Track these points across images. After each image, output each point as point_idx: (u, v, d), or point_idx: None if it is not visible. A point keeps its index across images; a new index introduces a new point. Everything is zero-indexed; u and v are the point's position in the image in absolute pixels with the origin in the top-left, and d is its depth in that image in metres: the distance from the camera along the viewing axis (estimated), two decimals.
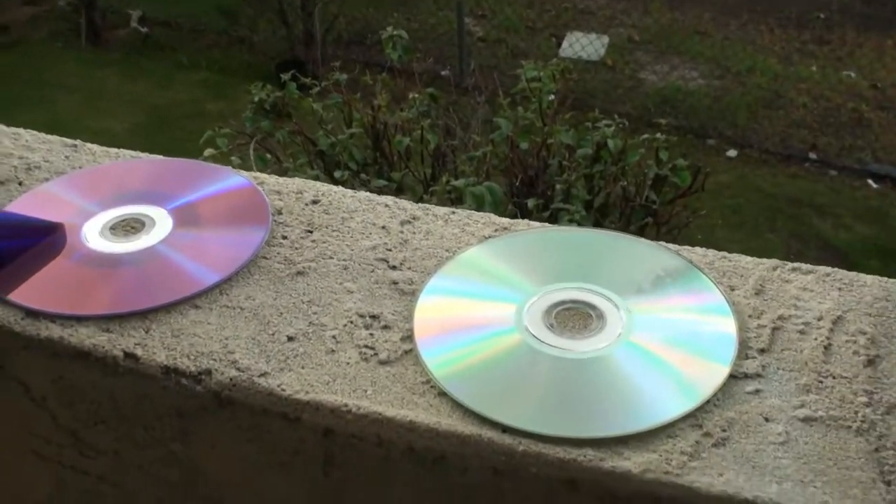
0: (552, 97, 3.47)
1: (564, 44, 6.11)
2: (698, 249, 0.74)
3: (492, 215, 0.78)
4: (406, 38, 3.66)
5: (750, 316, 0.67)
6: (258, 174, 0.85)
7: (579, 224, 3.15)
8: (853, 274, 0.71)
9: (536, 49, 6.00)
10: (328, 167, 3.35)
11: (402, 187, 3.34)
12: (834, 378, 0.63)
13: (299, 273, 0.72)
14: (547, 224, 0.77)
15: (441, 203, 3.25)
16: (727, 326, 0.65)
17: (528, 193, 3.27)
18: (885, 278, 0.71)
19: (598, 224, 3.34)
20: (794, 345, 0.65)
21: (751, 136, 5.56)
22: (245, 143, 3.36)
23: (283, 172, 3.30)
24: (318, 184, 0.82)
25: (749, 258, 0.73)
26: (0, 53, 6.12)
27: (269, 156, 3.39)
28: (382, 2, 6.47)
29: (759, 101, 5.79)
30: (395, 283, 0.71)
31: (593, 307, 0.67)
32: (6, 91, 5.70)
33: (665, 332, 0.65)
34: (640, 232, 3.44)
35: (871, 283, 0.70)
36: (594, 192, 3.32)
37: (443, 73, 5.68)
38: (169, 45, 6.20)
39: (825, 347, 0.65)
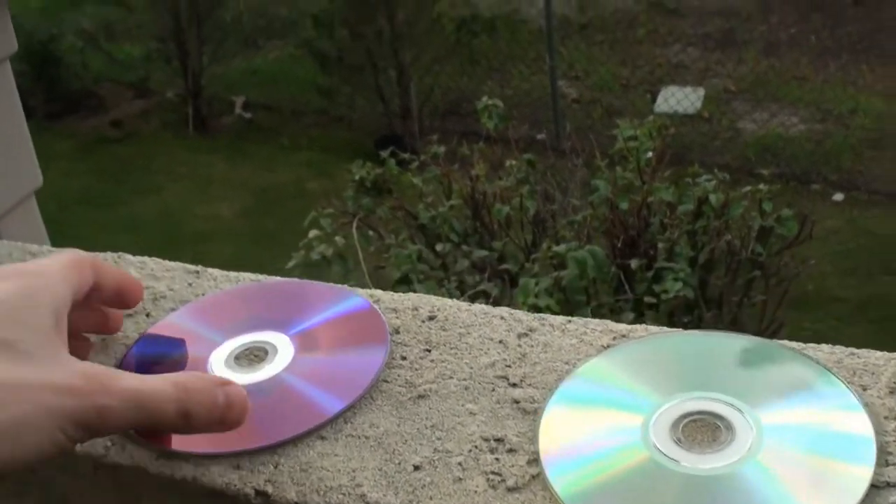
0: (650, 154, 3.46)
1: (659, 99, 6.10)
2: (824, 347, 0.71)
3: (609, 322, 0.77)
4: (501, 107, 3.71)
5: (886, 417, 0.64)
6: (374, 291, 0.85)
7: (685, 282, 3.12)
8: None
9: (631, 106, 6.00)
10: (430, 240, 3.40)
11: (503, 256, 3.37)
12: None
13: (421, 396, 0.72)
14: (665, 328, 0.75)
15: (544, 269, 3.26)
16: (864, 431, 0.62)
17: (631, 254, 3.25)
18: None
19: (703, 281, 3.30)
20: None
21: (857, 179, 5.45)
22: (348, 221, 3.43)
23: (385, 249, 3.36)
24: (434, 298, 0.82)
25: (880, 353, 0.70)
26: (114, 147, 6.39)
27: (371, 233, 3.46)
28: (476, 71, 6.56)
29: (864, 142, 5.68)
30: (516, 401, 0.70)
31: (721, 418, 0.64)
32: (121, 182, 5.94)
33: (797, 442, 0.62)
34: (748, 286, 3.38)
35: None
36: (698, 249, 3.28)
37: (538, 136, 5.72)
38: (271, 128, 6.39)
39: None
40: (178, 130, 6.47)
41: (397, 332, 0.78)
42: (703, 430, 0.64)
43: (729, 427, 0.63)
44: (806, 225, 3.27)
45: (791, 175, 5.46)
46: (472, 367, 0.73)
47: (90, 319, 0.76)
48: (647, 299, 3.13)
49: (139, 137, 6.48)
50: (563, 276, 3.09)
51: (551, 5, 5.82)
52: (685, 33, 6.75)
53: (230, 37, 6.70)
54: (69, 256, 0.68)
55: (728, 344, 0.71)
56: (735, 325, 3.35)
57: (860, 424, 0.62)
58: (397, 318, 0.80)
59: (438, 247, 3.33)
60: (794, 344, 0.70)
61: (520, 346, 0.75)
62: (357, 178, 3.59)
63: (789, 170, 5.50)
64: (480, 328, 0.77)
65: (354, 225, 3.42)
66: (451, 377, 0.73)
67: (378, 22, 5.63)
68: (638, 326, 0.74)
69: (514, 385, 0.71)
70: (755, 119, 5.92)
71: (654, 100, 6.12)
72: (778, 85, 6.15)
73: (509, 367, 0.73)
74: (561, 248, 3.15)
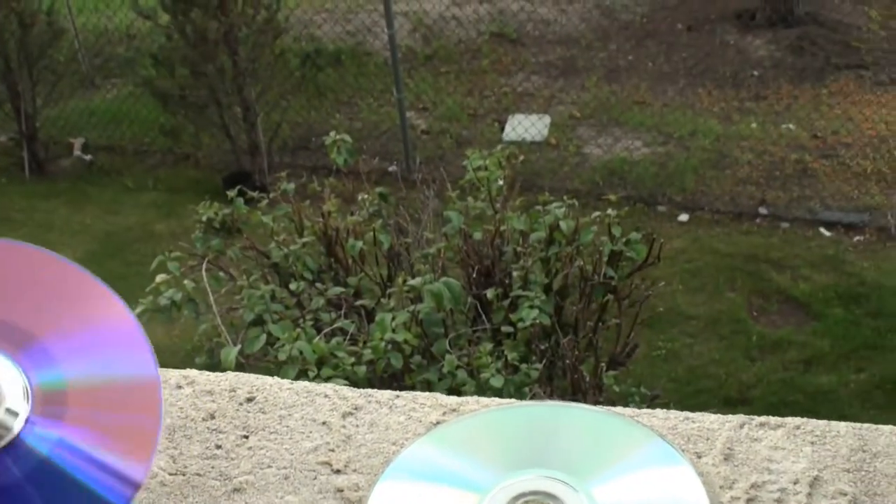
0: (500, 183, 3.49)
1: (507, 127, 6.17)
2: (659, 412, 0.70)
3: (438, 395, 0.73)
4: (350, 142, 3.68)
5: (722, 487, 0.63)
6: (189, 372, 0.76)
7: (541, 309, 3.13)
8: (824, 423, 0.68)
9: (480, 135, 6.06)
10: (283, 279, 3.33)
11: (359, 292, 3.33)
12: None
13: (236, 490, 0.65)
14: (496, 398, 0.72)
15: (400, 303, 3.23)
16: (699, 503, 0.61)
17: (486, 284, 3.26)
18: (859, 424, 0.67)
19: (559, 307, 3.33)
20: None
21: (700, 199, 5.62)
22: (197, 263, 3.33)
23: (237, 290, 3.28)
24: (254, 377, 0.76)
25: (714, 416, 0.69)
26: None
27: (222, 274, 3.37)
28: (324, 105, 6.52)
29: (705, 163, 5.87)
30: (340, 490, 0.65)
31: (554, 497, 0.62)
32: None
33: None
34: (602, 310, 3.43)
35: (844, 433, 0.67)
36: (552, 275, 3.32)
37: (390, 168, 5.71)
38: (114, 170, 6.20)
39: None
40: (14, 175, 6.20)
41: (213, 417, 0.71)
42: None
43: None
44: (654, 247, 3.34)
45: (638, 197, 5.60)
46: (292, 454, 0.68)
47: None
48: (505, 328, 3.14)
49: None
50: (420, 310, 3.07)
51: (395, 37, 5.83)
52: (528, 62, 6.87)
53: (65, 77, 6.48)
54: None
55: (561, 415, 0.68)
56: (591, 349, 3.40)
57: (695, 497, 0.60)
58: (213, 401, 0.73)
59: (292, 285, 3.27)
60: (628, 411, 0.68)
61: (344, 426, 0.70)
62: (204, 218, 3.49)
63: (636, 192, 5.64)
64: (303, 408, 0.72)
65: (204, 267, 3.32)
66: (269, 466, 0.67)
67: (219, 59, 5.53)
68: (469, 399, 0.71)
69: (338, 472, 0.66)
70: (600, 144, 6.06)
71: (502, 128, 6.20)
72: (620, 110, 6.32)
73: (333, 451, 0.68)
74: (416, 281, 3.14)
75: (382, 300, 3.26)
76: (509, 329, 3.11)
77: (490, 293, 3.18)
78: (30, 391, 0.53)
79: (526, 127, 6.11)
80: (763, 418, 0.67)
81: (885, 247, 5.24)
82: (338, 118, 6.28)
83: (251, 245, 3.40)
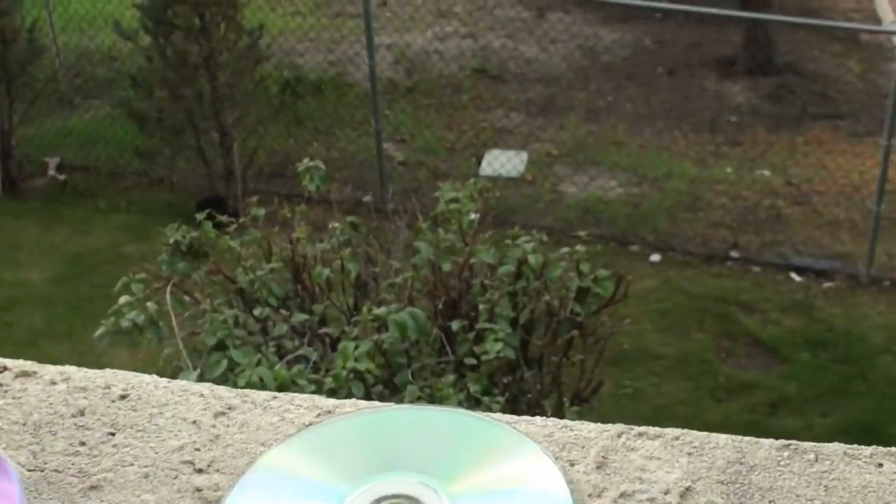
0: (473, 216, 3.48)
1: (483, 162, 6.19)
2: (538, 420, 0.69)
3: (316, 397, 0.72)
4: (322, 169, 3.68)
5: (590, 495, 0.62)
6: (66, 368, 0.76)
7: (506, 343, 3.13)
8: (704, 435, 0.68)
9: (456, 169, 6.07)
10: (249, 305, 3.31)
11: (324, 319, 3.31)
12: None
13: (93, 487, 0.64)
14: (376, 402, 0.71)
15: (365, 333, 3.21)
16: None
17: (453, 315, 3.25)
18: (740, 437, 0.67)
19: (524, 342, 3.33)
20: None
21: (672, 240, 5.65)
22: (162, 287, 3.31)
23: (201, 314, 3.25)
24: (131, 375, 0.75)
25: (593, 425, 0.68)
26: None
27: (187, 298, 3.34)
28: (301, 133, 6.53)
29: (678, 205, 5.90)
30: (199, 489, 0.64)
31: (414, 499, 0.61)
32: None
33: None
34: (568, 345, 3.43)
35: (723, 444, 0.67)
36: (518, 310, 3.31)
37: (364, 199, 5.71)
38: (88, 191, 6.17)
39: None
40: None
41: (82, 413, 0.71)
42: None
43: None
44: (622, 285, 3.34)
45: (611, 236, 5.62)
46: (156, 453, 0.67)
47: None
48: (469, 360, 3.13)
49: None
50: (384, 339, 3.05)
51: (376, 69, 5.86)
52: (508, 99, 6.91)
53: (43, 96, 6.46)
54: None
55: (434, 420, 0.67)
56: (555, 385, 3.39)
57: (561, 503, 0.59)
58: (85, 398, 0.72)
59: (257, 311, 3.25)
60: (506, 417, 0.68)
61: (214, 426, 0.69)
62: (171, 241, 3.47)
63: (609, 231, 5.66)
64: (175, 407, 0.71)
65: (168, 290, 3.29)
66: (131, 464, 0.66)
67: (198, 83, 5.53)
68: (346, 402, 0.70)
69: (200, 471, 0.65)
70: (576, 182, 6.09)
71: (478, 163, 6.22)
72: (597, 150, 6.35)
73: (198, 450, 0.67)
74: (381, 310, 3.12)
75: (347, 329, 3.24)
76: (473, 361, 3.09)
77: (456, 325, 3.17)
78: None
79: (502, 162, 6.13)
80: (643, 428, 0.67)
81: (854, 294, 5.26)
82: (315, 147, 6.28)
83: (217, 269, 3.37)
